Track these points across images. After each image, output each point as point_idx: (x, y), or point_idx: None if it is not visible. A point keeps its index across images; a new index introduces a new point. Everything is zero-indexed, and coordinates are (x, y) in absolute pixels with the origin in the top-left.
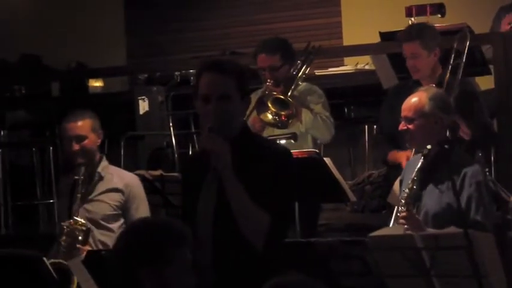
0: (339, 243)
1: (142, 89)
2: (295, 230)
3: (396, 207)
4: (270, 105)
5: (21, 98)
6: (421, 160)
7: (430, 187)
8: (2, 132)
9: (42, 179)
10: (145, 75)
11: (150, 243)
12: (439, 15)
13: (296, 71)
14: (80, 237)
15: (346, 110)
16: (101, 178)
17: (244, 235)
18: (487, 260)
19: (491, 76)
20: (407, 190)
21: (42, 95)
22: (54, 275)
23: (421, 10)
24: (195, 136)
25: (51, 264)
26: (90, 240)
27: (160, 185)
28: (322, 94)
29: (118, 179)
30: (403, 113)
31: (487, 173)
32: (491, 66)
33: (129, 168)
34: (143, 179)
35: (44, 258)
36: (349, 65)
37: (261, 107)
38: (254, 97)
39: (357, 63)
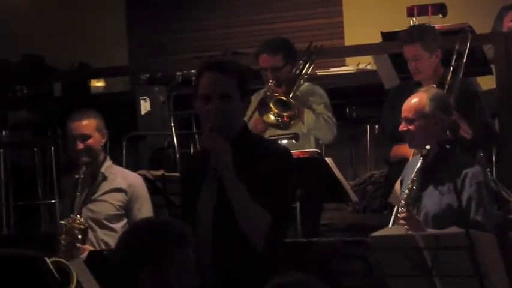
0: (340, 243)
1: (144, 89)
2: (296, 230)
3: (396, 207)
4: (272, 106)
5: (23, 98)
6: (421, 161)
7: (431, 188)
8: (3, 132)
9: (44, 179)
10: (147, 76)
11: (152, 244)
12: (441, 15)
13: (298, 71)
14: (79, 236)
15: (347, 110)
16: (105, 178)
17: (245, 235)
18: (489, 260)
19: (493, 76)
20: (407, 191)
21: (44, 95)
22: (56, 275)
23: (422, 10)
24: (196, 136)
25: (51, 262)
26: (93, 240)
27: (162, 185)
28: (324, 94)
29: (121, 179)
30: (404, 114)
31: (489, 173)
32: (492, 66)
33: (130, 168)
34: (145, 179)
35: (46, 259)
36: (350, 65)
37: (263, 108)
38: (256, 98)
39: (359, 63)
